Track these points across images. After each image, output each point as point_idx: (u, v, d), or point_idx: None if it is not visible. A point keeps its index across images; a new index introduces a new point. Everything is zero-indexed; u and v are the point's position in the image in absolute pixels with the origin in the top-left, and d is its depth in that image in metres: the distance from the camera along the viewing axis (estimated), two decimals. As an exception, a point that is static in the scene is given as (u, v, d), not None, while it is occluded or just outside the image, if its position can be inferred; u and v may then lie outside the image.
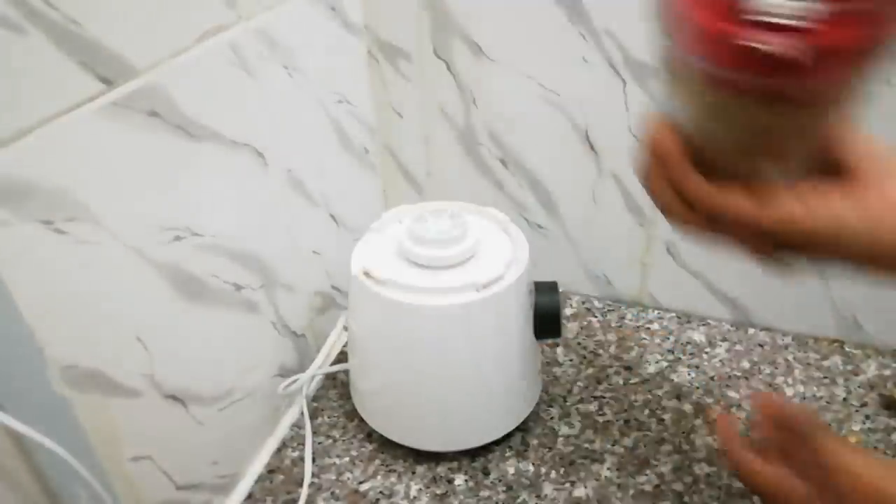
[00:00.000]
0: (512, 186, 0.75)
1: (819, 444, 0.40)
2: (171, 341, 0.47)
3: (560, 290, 0.59)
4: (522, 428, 0.62)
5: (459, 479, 0.59)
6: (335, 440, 0.63)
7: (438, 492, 0.58)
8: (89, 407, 0.41)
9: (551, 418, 0.64)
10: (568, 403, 0.65)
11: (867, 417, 0.63)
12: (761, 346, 0.71)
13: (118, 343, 0.43)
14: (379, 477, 0.59)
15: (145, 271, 0.44)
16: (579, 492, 0.57)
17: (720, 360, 0.70)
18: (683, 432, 0.62)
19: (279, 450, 0.62)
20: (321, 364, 0.65)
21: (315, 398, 0.67)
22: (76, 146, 0.37)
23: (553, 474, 0.59)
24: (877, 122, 0.59)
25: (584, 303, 0.78)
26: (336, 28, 0.65)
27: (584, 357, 0.71)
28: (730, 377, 0.68)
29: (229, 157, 0.51)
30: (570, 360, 0.70)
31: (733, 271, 0.72)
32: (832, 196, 0.33)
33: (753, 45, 0.27)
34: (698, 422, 0.63)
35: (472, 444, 0.60)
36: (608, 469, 0.59)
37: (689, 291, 0.75)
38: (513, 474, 0.59)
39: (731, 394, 0.66)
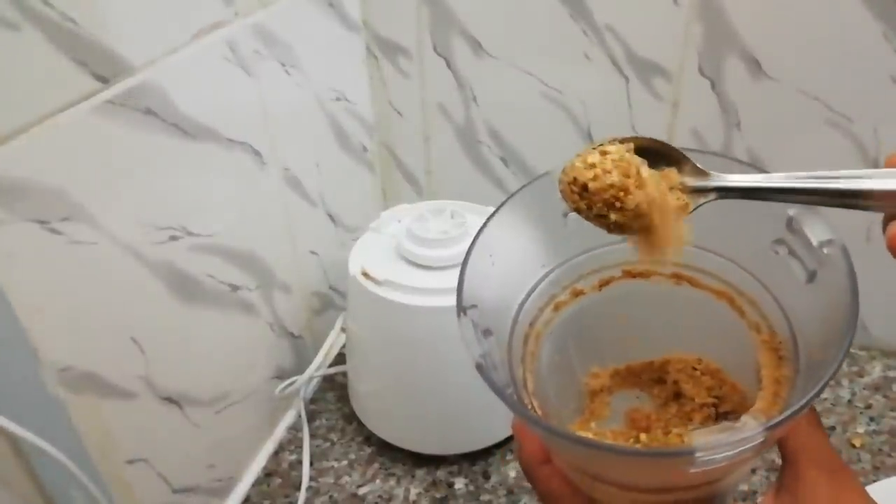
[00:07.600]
0: (513, 185, 0.74)
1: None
2: (167, 343, 0.47)
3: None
4: (523, 430, 0.62)
5: (460, 483, 0.58)
6: (333, 443, 0.62)
7: (438, 496, 0.57)
8: (84, 409, 0.41)
9: (552, 420, 0.63)
10: (568, 405, 0.65)
11: (871, 419, 0.62)
12: (763, 347, 0.71)
13: (113, 344, 0.42)
14: (378, 481, 0.59)
15: (141, 272, 0.43)
16: (580, 495, 0.57)
17: (722, 362, 0.69)
18: (685, 434, 0.62)
19: (276, 453, 0.62)
20: (319, 366, 0.64)
21: (313, 400, 0.67)
22: (71, 145, 0.37)
23: (554, 477, 0.58)
24: (881, 125, 0.59)
25: (584, 303, 0.78)
26: (334, 25, 0.64)
27: (585, 358, 0.70)
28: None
29: (226, 155, 0.50)
30: (571, 361, 0.70)
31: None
32: None
33: None
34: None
35: (472, 448, 0.59)
36: (609, 471, 0.59)
37: (691, 292, 0.74)
38: (514, 478, 0.58)
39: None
